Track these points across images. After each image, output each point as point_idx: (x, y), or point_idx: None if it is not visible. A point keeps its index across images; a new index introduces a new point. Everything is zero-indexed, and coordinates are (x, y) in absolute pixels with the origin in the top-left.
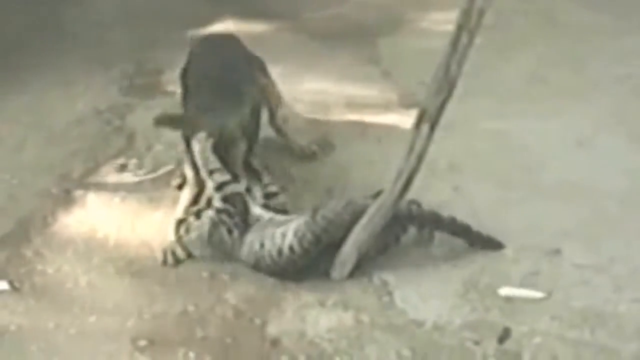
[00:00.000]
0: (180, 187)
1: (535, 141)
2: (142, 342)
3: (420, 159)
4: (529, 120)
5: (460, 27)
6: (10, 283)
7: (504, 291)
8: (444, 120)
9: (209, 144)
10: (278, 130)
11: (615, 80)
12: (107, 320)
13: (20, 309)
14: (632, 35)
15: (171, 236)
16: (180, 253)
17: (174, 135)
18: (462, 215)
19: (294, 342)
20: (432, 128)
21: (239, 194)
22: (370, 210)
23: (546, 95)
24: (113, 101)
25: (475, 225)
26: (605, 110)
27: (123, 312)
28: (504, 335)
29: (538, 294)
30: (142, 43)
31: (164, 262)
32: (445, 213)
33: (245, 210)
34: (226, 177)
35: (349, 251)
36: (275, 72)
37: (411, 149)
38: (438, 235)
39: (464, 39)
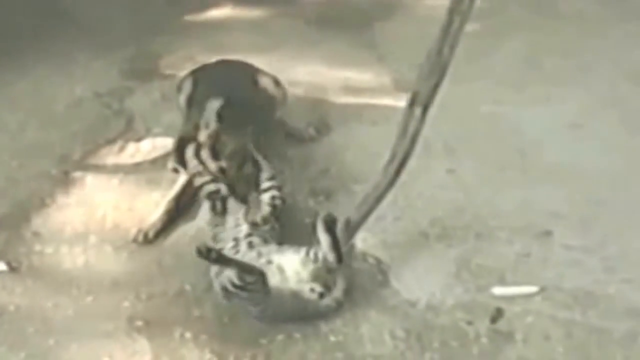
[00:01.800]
0: (176, 170)
1: (529, 125)
2: (139, 322)
3: (413, 140)
4: (523, 104)
5: (452, 11)
6: (9, 264)
7: (498, 291)
8: (438, 103)
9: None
10: (278, 122)
11: (609, 65)
12: (104, 300)
13: (18, 290)
14: (625, 21)
15: (153, 217)
16: (151, 235)
17: (173, 118)
18: (457, 197)
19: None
20: (425, 110)
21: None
22: (365, 192)
23: (540, 79)
24: (113, 85)
25: (469, 207)
26: (598, 95)
27: (120, 292)
28: (497, 315)
29: (532, 289)
30: (142, 27)
31: (135, 239)
32: (440, 195)
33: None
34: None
35: (341, 233)
36: (273, 56)
37: (404, 130)
38: (427, 215)
39: (456, 22)
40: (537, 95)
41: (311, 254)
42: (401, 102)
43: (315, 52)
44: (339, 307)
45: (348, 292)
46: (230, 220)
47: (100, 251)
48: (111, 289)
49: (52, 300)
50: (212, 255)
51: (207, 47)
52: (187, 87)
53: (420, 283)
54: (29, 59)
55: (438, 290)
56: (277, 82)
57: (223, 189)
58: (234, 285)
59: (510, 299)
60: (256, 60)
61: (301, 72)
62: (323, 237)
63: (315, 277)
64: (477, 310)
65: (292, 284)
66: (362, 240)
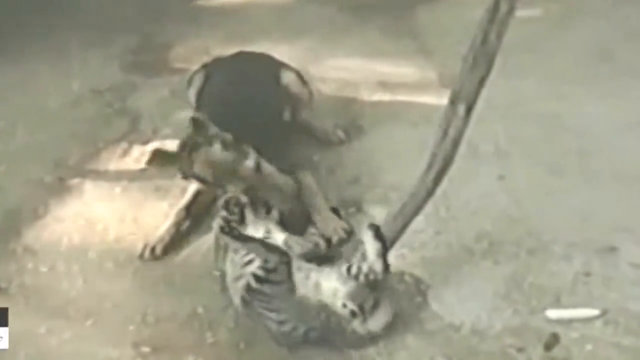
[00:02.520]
0: (186, 177)
1: (591, 125)
2: (146, 349)
3: (455, 143)
4: (586, 102)
5: None
6: None
7: (553, 314)
8: (487, 101)
9: None
10: (303, 124)
11: None
12: (106, 323)
13: (7, 312)
14: None
15: (161, 230)
16: (159, 251)
17: (183, 118)
18: (507, 207)
19: None
20: (469, 109)
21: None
22: (401, 202)
23: (609, 74)
24: (114, 80)
25: (520, 219)
26: None
27: (124, 314)
28: (551, 341)
29: (593, 312)
30: (147, 14)
31: (141, 255)
32: (488, 205)
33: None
34: None
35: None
36: (299, 47)
37: (445, 132)
38: (472, 228)
39: (504, 5)
40: (601, 91)
41: (353, 269)
42: (445, 99)
43: (349, 42)
44: (370, 341)
45: (388, 326)
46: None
47: (101, 269)
48: (114, 312)
49: (46, 324)
50: (234, 232)
51: (222, 36)
52: (198, 81)
53: (464, 305)
54: (16, 49)
55: (484, 313)
56: (302, 78)
57: (242, 198)
58: (257, 279)
59: (567, 323)
60: (278, 52)
61: (330, 66)
62: (370, 245)
63: (353, 296)
64: (529, 336)
65: (324, 297)
66: (398, 257)
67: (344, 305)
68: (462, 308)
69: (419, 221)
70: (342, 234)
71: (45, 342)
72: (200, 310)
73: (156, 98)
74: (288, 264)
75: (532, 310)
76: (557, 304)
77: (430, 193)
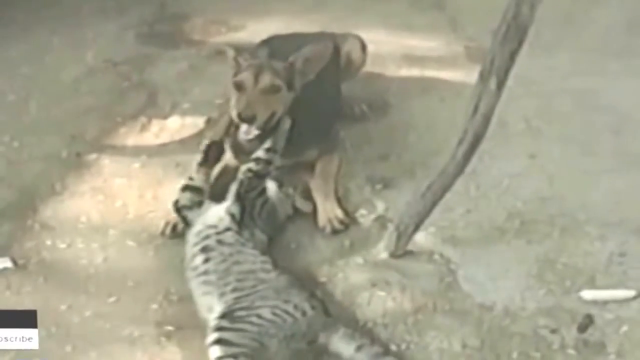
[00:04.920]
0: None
1: (626, 101)
2: (169, 327)
3: (486, 118)
4: (623, 77)
5: None
6: (14, 260)
7: (588, 295)
8: (519, 76)
9: None
10: None
11: None
12: (128, 301)
13: (26, 289)
14: None
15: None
16: (180, 228)
17: (204, 91)
18: (539, 186)
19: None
20: (500, 83)
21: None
22: (430, 180)
23: None
24: (129, 51)
25: (553, 197)
26: None
27: (146, 292)
28: (586, 323)
29: (629, 293)
30: None
31: (162, 233)
32: (520, 184)
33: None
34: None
35: (405, 223)
36: (321, 19)
37: (476, 107)
38: (504, 207)
39: None
40: (635, 66)
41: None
42: (475, 74)
43: (373, 12)
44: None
45: None
46: None
47: (122, 246)
48: (136, 290)
49: (67, 301)
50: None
51: (241, 7)
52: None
53: (496, 285)
54: (27, 19)
55: (517, 293)
56: (363, 46)
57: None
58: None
59: (602, 304)
60: (298, 24)
61: None
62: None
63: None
64: (562, 317)
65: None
66: (427, 236)
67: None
68: (493, 288)
69: (448, 199)
70: (337, 225)
71: (66, 320)
72: None
73: (174, 71)
74: None
75: (566, 290)
76: (592, 284)
77: (460, 170)
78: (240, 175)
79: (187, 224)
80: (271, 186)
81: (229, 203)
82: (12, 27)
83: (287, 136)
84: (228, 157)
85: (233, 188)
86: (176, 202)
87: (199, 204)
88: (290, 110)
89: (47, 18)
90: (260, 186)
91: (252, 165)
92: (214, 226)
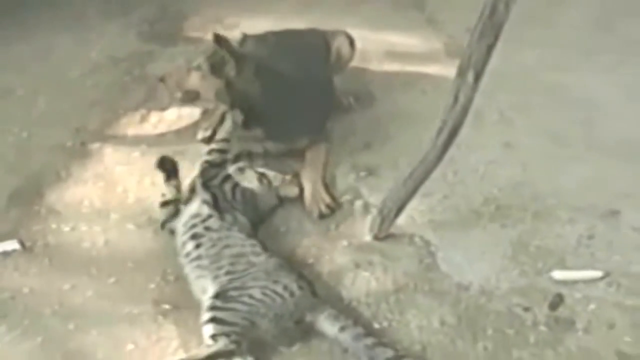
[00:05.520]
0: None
1: (595, 95)
2: (166, 306)
3: (465, 109)
4: (590, 71)
5: None
6: (22, 242)
7: (558, 275)
8: (494, 70)
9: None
10: None
11: None
12: (128, 282)
13: (33, 270)
14: None
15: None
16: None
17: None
18: (513, 173)
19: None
20: (477, 76)
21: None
22: (412, 167)
23: (611, 45)
24: (131, 48)
25: (526, 184)
26: None
27: (145, 273)
28: (556, 301)
29: (597, 274)
30: None
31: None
32: (495, 171)
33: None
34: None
35: (388, 208)
36: (311, 18)
37: (455, 99)
38: (480, 192)
39: None
40: (606, 62)
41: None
42: (453, 69)
43: (358, 12)
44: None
45: None
46: None
47: (122, 229)
48: (135, 270)
49: (70, 281)
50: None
51: (237, 6)
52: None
53: (473, 266)
54: (36, 20)
55: (492, 273)
56: (351, 42)
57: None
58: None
59: (572, 284)
60: (289, 22)
61: None
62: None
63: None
64: (534, 296)
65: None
66: (408, 220)
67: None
68: (470, 269)
69: (428, 186)
70: (324, 210)
71: (70, 299)
72: None
73: (172, 66)
74: None
75: (538, 271)
76: (562, 265)
77: (439, 158)
78: (198, 167)
79: (173, 233)
80: (231, 170)
81: (200, 194)
82: (23, 27)
83: (275, 124)
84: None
85: (197, 180)
86: (162, 223)
87: (177, 212)
88: (284, 101)
89: (55, 19)
90: (221, 174)
91: (206, 156)
92: (198, 214)
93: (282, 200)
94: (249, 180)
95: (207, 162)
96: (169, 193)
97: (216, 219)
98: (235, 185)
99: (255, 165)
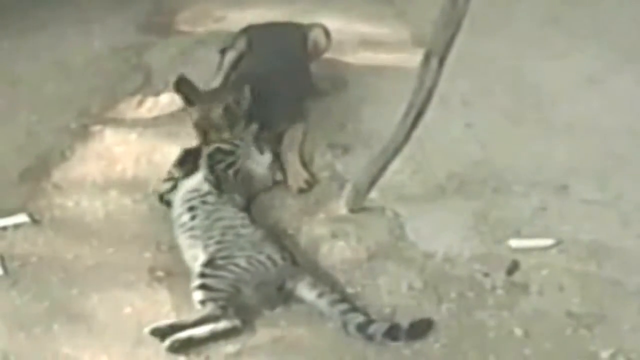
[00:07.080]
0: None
1: (547, 80)
2: (160, 273)
3: (430, 92)
4: (542, 58)
5: None
6: (31, 216)
7: (514, 243)
8: (456, 57)
9: None
10: None
11: (630, 20)
12: (125, 251)
13: (40, 241)
14: None
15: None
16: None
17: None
18: (474, 151)
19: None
20: (441, 62)
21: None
22: (382, 146)
23: (559, 34)
24: (130, 40)
25: (486, 161)
26: (618, 50)
27: (141, 243)
28: (513, 267)
29: (549, 242)
30: None
31: (155, 192)
32: (458, 149)
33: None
34: None
35: (361, 183)
36: (289, 10)
37: (421, 83)
38: (444, 169)
39: None
40: (556, 50)
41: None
42: (419, 57)
43: (334, 6)
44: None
45: None
46: None
47: (121, 204)
48: (132, 241)
49: (73, 251)
50: None
51: (224, 1)
52: (241, 45)
53: (438, 236)
54: (46, 13)
55: (455, 242)
56: (326, 31)
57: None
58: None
59: (527, 251)
60: (272, 15)
61: None
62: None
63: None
64: (493, 262)
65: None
66: (379, 194)
67: None
68: (435, 238)
69: (397, 163)
70: (302, 184)
71: (72, 267)
72: None
73: (167, 56)
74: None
75: (496, 240)
76: (518, 235)
77: (407, 137)
78: (207, 151)
79: (169, 205)
80: (266, 159)
81: (204, 172)
82: (33, 21)
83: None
84: None
85: (203, 162)
86: (161, 195)
87: (175, 186)
88: (268, 90)
89: (62, 13)
90: (227, 160)
91: (220, 144)
92: (197, 190)
93: (275, 183)
94: (262, 165)
95: (218, 148)
96: (176, 173)
97: (213, 196)
98: (238, 171)
99: None
